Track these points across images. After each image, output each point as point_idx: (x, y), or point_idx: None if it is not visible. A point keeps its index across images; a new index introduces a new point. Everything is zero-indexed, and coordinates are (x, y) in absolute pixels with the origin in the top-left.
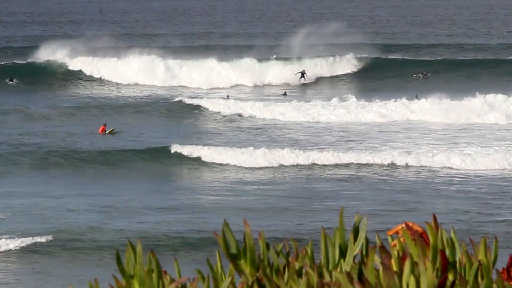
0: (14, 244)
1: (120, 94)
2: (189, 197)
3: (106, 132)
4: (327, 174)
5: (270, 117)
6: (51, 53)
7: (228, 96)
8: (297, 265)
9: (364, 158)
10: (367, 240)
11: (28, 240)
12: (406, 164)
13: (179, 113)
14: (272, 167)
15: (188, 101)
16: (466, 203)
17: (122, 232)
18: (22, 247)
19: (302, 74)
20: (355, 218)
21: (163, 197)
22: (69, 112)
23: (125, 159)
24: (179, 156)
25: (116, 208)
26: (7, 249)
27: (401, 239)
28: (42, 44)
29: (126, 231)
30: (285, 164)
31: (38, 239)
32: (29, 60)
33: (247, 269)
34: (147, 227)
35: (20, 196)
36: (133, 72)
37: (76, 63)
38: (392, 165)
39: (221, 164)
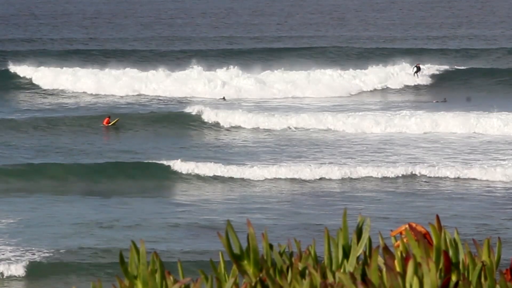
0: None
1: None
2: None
3: (111, 123)
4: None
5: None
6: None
7: (224, 97)
8: (300, 266)
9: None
10: (370, 241)
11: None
12: None
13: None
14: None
15: None
16: None
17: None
18: None
19: (418, 68)
20: (358, 219)
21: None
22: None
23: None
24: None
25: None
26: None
27: (405, 240)
28: None
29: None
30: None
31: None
32: None
33: (250, 269)
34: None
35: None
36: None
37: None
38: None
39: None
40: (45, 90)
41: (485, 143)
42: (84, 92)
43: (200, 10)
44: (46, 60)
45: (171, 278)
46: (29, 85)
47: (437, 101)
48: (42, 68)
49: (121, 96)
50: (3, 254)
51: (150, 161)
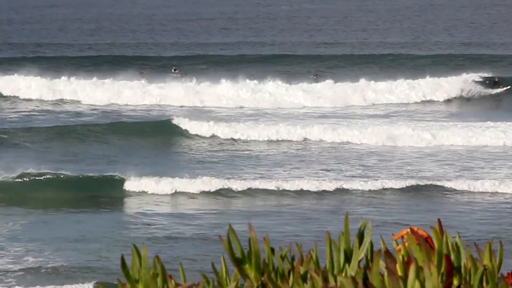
0: None
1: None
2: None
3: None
4: None
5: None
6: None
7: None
8: (302, 270)
9: None
10: (372, 245)
11: None
12: None
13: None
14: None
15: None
16: None
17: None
18: None
19: (496, 82)
20: (360, 223)
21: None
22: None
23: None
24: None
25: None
26: None
27: (406, 244)
28: None
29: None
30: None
31: None
32: None
33: (252, 273)
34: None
35: None
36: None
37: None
38: None
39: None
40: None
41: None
42: (41, 100)
43: (195, 15)
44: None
45: (173, 282)
46: None
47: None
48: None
49: (105, 105)
50: None
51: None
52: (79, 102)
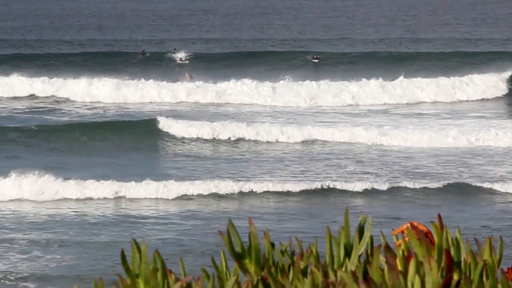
0: None
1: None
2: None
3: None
4: None
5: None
6: None
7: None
8: (302, 265)
9: None
10: (372, 240)
11: None
12: None
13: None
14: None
15: None
16: None
17: None
18: None
19: None
20: (360, 218)
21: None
22: None
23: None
24: None
25: None
26: None
27: (406, 239)
28: None
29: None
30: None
31: None
32: None
33: (252, 268)
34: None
35: None
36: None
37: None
38: None
39: None
40: None
41: None
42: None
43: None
44: None
45: (173, 276)
46: None
47: None
48: None
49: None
50: None
51: None
52: (61, 99)
